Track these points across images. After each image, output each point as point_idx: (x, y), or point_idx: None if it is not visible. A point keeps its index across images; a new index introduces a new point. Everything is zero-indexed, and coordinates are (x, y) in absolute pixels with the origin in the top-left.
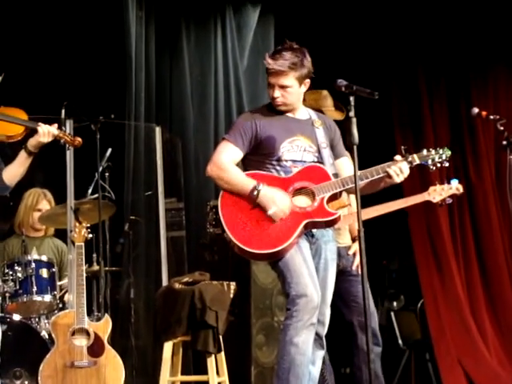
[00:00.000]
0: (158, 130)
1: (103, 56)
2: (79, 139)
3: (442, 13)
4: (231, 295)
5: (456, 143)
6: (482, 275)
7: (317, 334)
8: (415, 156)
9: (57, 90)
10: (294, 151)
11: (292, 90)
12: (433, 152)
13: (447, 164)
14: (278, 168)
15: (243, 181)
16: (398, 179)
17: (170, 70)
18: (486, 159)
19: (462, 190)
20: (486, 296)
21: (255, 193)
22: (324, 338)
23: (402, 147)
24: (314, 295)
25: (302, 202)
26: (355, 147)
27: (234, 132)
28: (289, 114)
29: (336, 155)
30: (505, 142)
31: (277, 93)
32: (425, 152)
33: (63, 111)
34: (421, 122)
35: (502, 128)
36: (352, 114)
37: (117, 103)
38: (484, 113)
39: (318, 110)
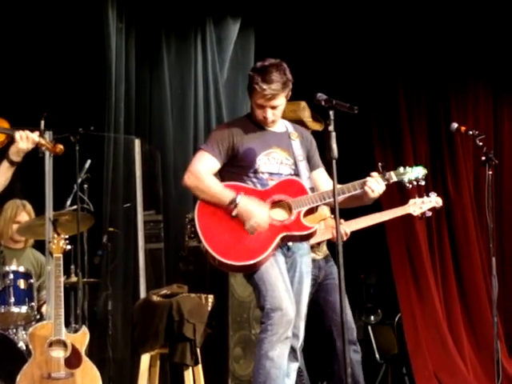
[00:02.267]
0: (137, 142)
1: (83, 67)
2: (61, 146)
3: (422, 29)
4: (209, 308)
5: (435, 158)
6: (460, 290)
7: (291, 347)
8: (392, 173)
9: (36, 101)
10: (271, 164)
11: (282, 107)
12: (409, 170)
13: (423, 182)
14: (254, 180)
15: (221, 192)
16: (373, 195)
17: (150, 82)
18: (465, 174)
19: (441, 203)
20: (464, 310)
21: (233, 205)
22: (298, 351)
23: (380, 164)
24: (289, 309)
25: (279, 215)
26: (334, 161)
27: (210, 142)
28: (265, 127)
29: (312, 166)
30: (484, 158)
31: (270, 114)
32: (401, 170)
33: (42, 122)
34: (400, 136)
35: (480, 143)
36: (331, 128)
37: (96, 115)
38: (463, 128)
39: (298, 121)
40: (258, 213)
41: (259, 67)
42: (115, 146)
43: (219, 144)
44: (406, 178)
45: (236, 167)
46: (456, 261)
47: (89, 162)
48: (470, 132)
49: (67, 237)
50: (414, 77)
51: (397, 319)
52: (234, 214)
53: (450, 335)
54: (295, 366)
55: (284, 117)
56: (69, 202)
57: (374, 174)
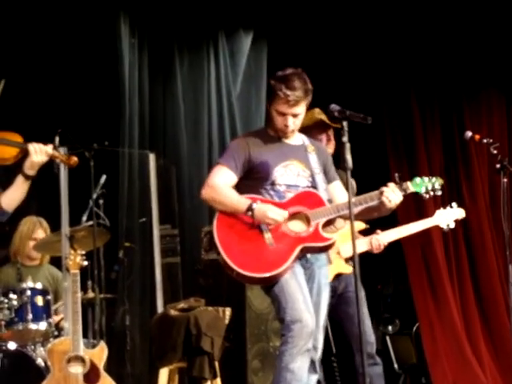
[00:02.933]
0: (151, 156)
1: (97, 83)
2: (75, 158)
3: (435, 38)
4: (226, 321)
5: (449, 166)
6: (477, 299)
7: (310, 359)
8: (409, 184)
9: (51, 118)
10: (288, 176)
11: (301, 116)
12: (426, 180)
13: (440, 193)
14: (271, 193)
15: (238, 200)
16: (391, 205)
17: (164, 97)
18: (480, 183)
19: (464, 214)
20: (482, 319)
21: (250, 212)
22: (317, 362)
23: (396, 174)
24: (309, 321)
25: (297, 226)
26: (349, 172)
27: (227, 156)
28: (283, 139)
29: (328, 180)
30: (498, 166)
31: (291, 122)
32: (418, 180)
33: (57, 138)
34: (414, 146)
35: (495, 152)
36: (345, 139)
37: (111, 130)
38: (477, 136)
39: (317, 122)
40: (273, 208)
41: (281, 75)
42: (130, 160)
43: (236, 157)
44: (423, 189)
45: (253, 180)
46: (473, 269)
47: (104, 177)
48: (485, 140)
49: (84, 252)
50: (427, 86)
51: (414, 329)
52: (254, 218)
53: (468, 344)
54: (315, 378)
55: (302, 124)
56: (85, 218)
57: (391, 184)
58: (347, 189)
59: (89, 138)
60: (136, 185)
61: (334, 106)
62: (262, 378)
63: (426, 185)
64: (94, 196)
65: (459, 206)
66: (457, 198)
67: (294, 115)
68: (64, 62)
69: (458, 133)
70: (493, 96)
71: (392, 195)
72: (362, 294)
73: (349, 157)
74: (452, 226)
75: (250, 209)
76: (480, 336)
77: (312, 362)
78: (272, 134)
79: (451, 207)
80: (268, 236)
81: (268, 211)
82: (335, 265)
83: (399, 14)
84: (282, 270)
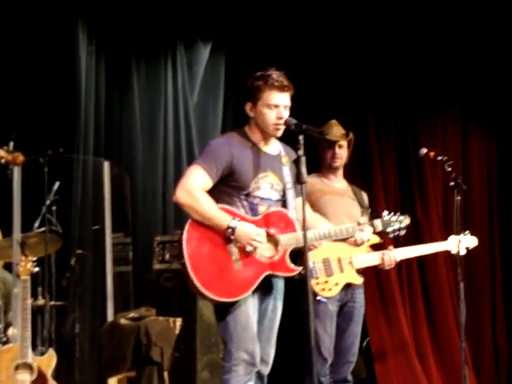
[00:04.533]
0: (106, 164)
1: (53, 89)
2: (21, 157)
3: (391, 57)
4: (177, 331)
5: (404, 183)
6: (428, 315)
7: (258, 374)
8: (379, 223)
9: (5, 123)
10: (263, 188)
11: (288, 110)
12: (394, 219)
13: (404, 232)
14: (244, 203)
15: (218, 216)
16: (357, 243)
17: (120, 105)
18: (434, 199)
19: (476, 243)
20: (432, 335)
21: (230, 230)
22: (266, 378)
23: (369, 211)
24: (255, 353)
25: (265, 249)
26: (304, 186)
27: (208, 159)
28: (262, 147)
29: (297, 193)
30: (452, 183)
31: (283, 112)
32: (387, 219)
33: (11, 144)
34: (369, 164)
35: (449, 169)
36: (301, 152)
37: (65, 137)
38: (432, 153)
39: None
40: (255, 233)
41: (262, 73)
42: (84, 168)
43: (217, 163)
44: (390, 229)
45: (229, 187)
46: (424, 285)
47: (57, 183)
48: (439, 157)
49: (35, 259)
50: (383, 105)
51: (365, 343)
52: (232, 237)
53: (417, 360)
54: None
55: None
56: (37, 224)
57: (363, 219)
58: (303, 202)
59: (43, 144)
60: (90, 192)
61: (291, 120)
62: None
63: (393, 224)
64: (47, 202)
65: (412, 221)
66: (410, 212)
67: (285, 106)
68: (20, 66)
69: (413, 152)
70: (448, 116)
71: (364, 236)
72: (362, 311)
73: (304, 170)
74: (462, 253)
75: (230, 227)
76: (430, 352)
77: (260, 378)
78: (253, 140)
79: (465, 235)
80: (236, 258)
81: (253, 234)
82: (346, 274)
83: (356, 33)
84: (243, 297)
